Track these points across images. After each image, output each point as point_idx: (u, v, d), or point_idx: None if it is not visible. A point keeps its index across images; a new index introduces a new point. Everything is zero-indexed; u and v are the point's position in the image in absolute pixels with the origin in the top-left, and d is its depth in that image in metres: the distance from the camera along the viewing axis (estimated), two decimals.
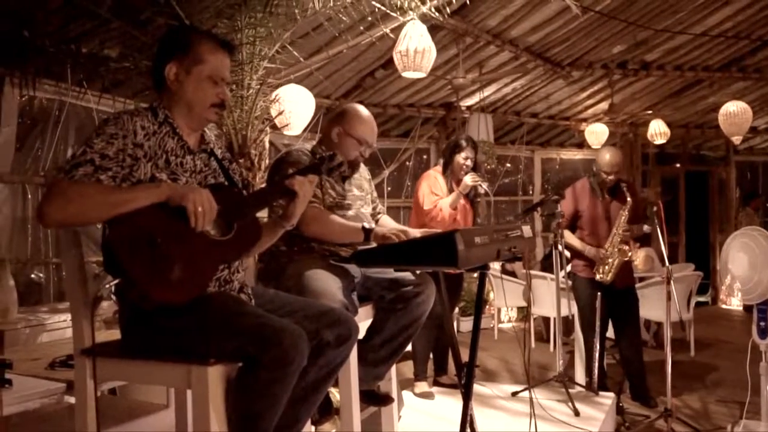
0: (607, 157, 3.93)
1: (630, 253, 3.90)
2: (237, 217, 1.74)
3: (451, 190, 3.78)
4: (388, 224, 2.69)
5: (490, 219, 7.24)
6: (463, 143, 3.81)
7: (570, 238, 4.01)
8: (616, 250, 3.87)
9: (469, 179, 3.69)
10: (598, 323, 3.91)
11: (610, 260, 3.88)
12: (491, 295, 6.68)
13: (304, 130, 4.44)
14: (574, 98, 7.14)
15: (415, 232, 2.34)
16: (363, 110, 2.53)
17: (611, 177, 3.92)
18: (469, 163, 3.77)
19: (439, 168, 3.91)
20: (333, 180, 2.46)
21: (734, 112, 5.95)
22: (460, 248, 1.78)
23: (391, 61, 4.58)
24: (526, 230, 2.36)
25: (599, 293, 3.92)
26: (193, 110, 1.77)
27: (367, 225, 2.36)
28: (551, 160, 8.42)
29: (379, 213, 2.79)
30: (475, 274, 3.15)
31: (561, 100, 7.15)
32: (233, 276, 1.81)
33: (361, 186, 2.63)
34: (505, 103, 7.10)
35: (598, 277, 3.89)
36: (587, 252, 3.93)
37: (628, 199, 3.87)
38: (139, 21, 2.80)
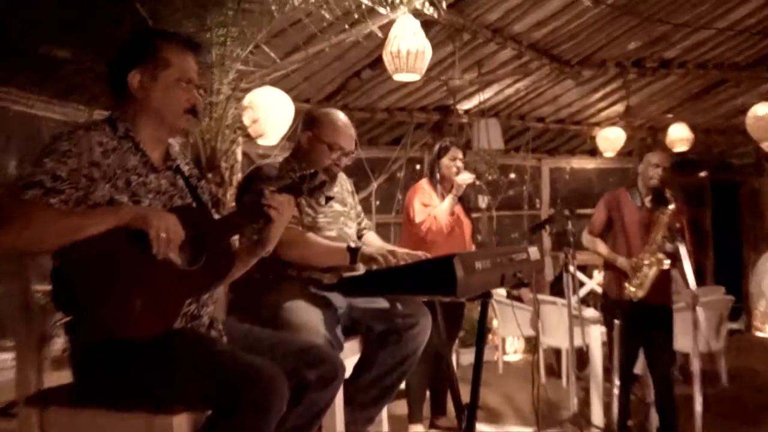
0: (655, 156, 4.01)
1: (667, 263, 3.87)
2: (206, 244, 1.75)
3: (443, 199, 3.81)
4: (374, 242, 2.70)
5: (492, 236, 7.27)
6: (447, 144, 3.87)
7: (602, 248, 4.01)
8: (653, 258, 3.85)
9: (461, 178, 3.72)
10: (616, 353, 3.92)
11: (645, 268, 3.86)
12: (495, 323, 6.68)
13: (282, 139, 4.46)
14: (585, 100, 7.21)
15: (405, 252, 2.36)
16: (336, 113, 2.56)
17: (658, 172, 3.94)
18: (459, 164, 3.82)
19: (425, 180, 3.93)
20: (315, 202, 2.47)
21: (764, 116, 6.03)
22: (459, 275, 1.79)
23: (379, 60, 4.62)
24: (533, 252, 2.38)
25: (617, 320, 3.93)
26: (164, 120, 1.79)
27: (353, 244, 2.37)
28: (560, 169, 8.47)
29: (364, 228, 2.80)
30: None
31: (571, 102, 7.22)
32: (202, 310, 1.81)
33: (344, 200, 2.64)
34: (508, 106, 7.16)
35: (630, 290, 3.86)
36: (619, 262, 3.92)
37: (671, 205, 3.88)
38: (105, 18, 2.81)
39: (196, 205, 1.84)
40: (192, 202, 1.84)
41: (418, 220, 3.69)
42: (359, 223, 2.79)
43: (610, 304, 4.05)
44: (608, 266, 4.04)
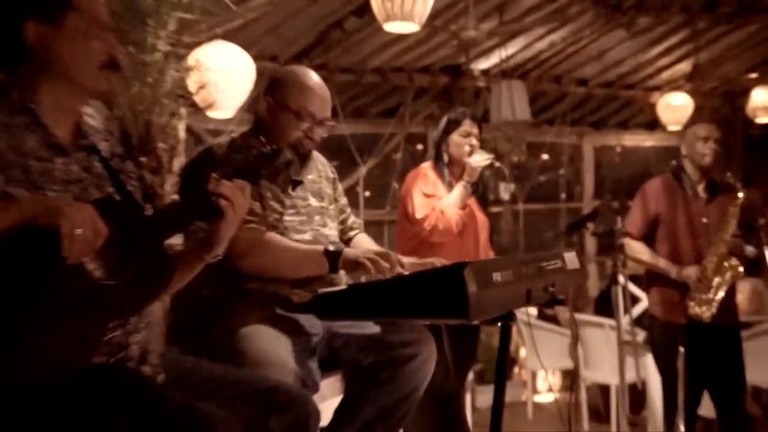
0: (701, 128, 4.03)
1: (741, 269, 3.88)
2: (135, 247, 1.74)
3: (451, 187, 3.81)
4: (366, 247, 2.70)
5: (519, 237, 7.28)
6: (458, 116, 3.87)
7: (648, 254, 4.03)
8: (725, 264, 3.86)
9: (475, 160, 3.73)
10: (680, 392, 3.94)
11: (714, 282, 3.88)
12: (522, 352, 6.69)
13: (240, 110, 4.43)
14: (640, 57, 7.22)
15: (405, 260, 2.36)
16: (303, 70, 2.58)
17: (711, 146, 3.95)
18: (473, 141, 3.82)
19: (429, 163, 3.94)
20: (278, 187, 2.47)
21: None
22: (471, 290, 1.79)
23: (367, 5, 4.60)
24: (571, 258, 2.38)
25: (683, 346, 3.95)
26: (73, 80, 1.78)
27: (331, 246, 2.38)
28: (608, 148, 8.49)
29: (352, 229, 2.80)
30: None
31: (621, 59, 7.22)
32: (131, 338, 1.80)
33: (321, 192, 2.64)
34: (539, 66, 7.16)
35: (694, 311, 3.87)
36: (675, 273, 3.93)
37: (740, 194, 3.88)
38: None
39: (120, 197, 1.82)
40: (114, 192, 1.83)
41: (419, 215, 3.69)
42: (343, 222, 2.79)
43: (659, 330, 4.05)
44: (655, 279, 4.05)
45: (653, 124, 8.09)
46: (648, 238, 4.06)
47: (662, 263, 3.96)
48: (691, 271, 3.88)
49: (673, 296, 3.95)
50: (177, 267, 1.89)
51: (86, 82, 1.80)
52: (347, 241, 2.75)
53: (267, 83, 2.58)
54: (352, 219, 2.83)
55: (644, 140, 8.56)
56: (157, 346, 1.98)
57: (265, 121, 2.53)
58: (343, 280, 2.53)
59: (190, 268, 1.94)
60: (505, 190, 5.14)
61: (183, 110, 3.29)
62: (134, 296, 1.75)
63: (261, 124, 2.55)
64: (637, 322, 4.49)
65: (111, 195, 1.82)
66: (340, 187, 2.82)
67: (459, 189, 3.72)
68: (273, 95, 2.51)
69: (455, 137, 3.82)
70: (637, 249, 4.01)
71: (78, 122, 1.86)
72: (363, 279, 2.33)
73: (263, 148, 1.92)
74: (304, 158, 2.57)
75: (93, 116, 1.93)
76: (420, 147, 7.44)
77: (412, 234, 3.74)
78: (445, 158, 3.83)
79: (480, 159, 3.72)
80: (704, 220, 3.96)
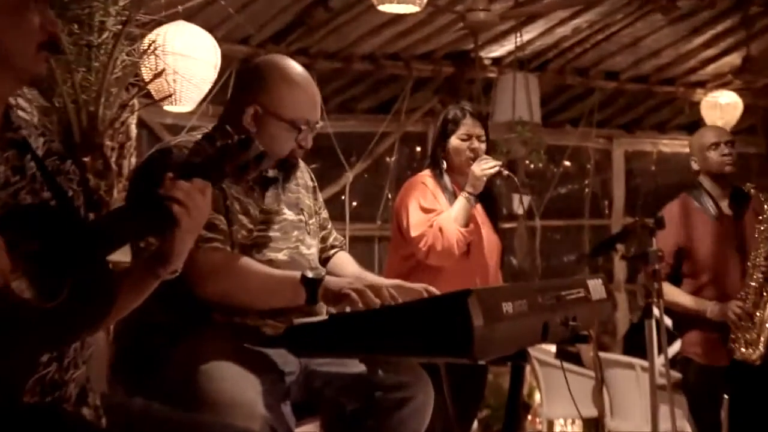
0: (706, 133, 4.15)
1: None
2: (73, 263, 1.73)
3: (455, 199, 3.80)
4: (345, 268, 2.70)
5: (535, 259, 7.28)
6: (458, 114, 3.85)
7: (676, 294, 4.06)
8: (765, 294, 3.88)
9: (479, 167, 3.71)
10: None
11: (756, 317, 3.89)
12: (536, 397, 6.69)
13: (204, 103, 4.43)
14: (681, 47, 7.26)
15: (394, 285, 2.36)
16: (288, 64, 2.56)
17: (726, 151, 4.00)
18: (476, 144, 3.81)
19: (427, 171, 3.93)
20: (247, 193, 2.47)
21: None
22: (476, 323, 1.80)
23: None
24: (596, 287, 2.39)
25: (725, 393, 3.96)
26: (9, 62, 1.77)
27: (310, 273, 2.37)
28: (642, 154, 8.53)
29: (333, 248, 2.80)
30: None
31: (659, 49, 7.26)
32: (67, 374, 1.79)
33: (298, 203, 2.64)
34: (560, 55, 7.19)
35: (741, 354, 3.89)
36: (710, 312, 3.96)
37: (766, 206, 3.93)
38: None
39: (56, 203, 1.82)
40: (51, 199, 1.82)
41: (414, 233, 3.68)
42: (324, 239, 2.79)
43: (697, 374, 4.07)
44: (690, 318, 4.08)
45: (696, 126, 8.10)
46: (677, 274, 4.11)
47: (692, 302, 4.00)
48: (728, 308, 3.90)
49: (711, 335, 3.98)
50: (124, 286, 1.88)
51: (19, 64, 1.79)
52: (325, 261, 2.75)
53: (246, 80, 2.57)
54: (333, 236, 2.83)
55: (685, 146, 8.54)
56: (100, 384, 1.97)
57: (248, 131, 2.51)
58: (324, 309, 2.53)
59: (141, 288, 1.92)
60: (519, 203, 5.13)
61: (135, 102, 3.29)
62: (72, 322, 1.73)
63: (235, 125, 2.54)
64: (674, 362, 4.48)
65: (47, 201, 1.81)
66: (321, 198, 2.82)
67: (460, 202, 3.70)
68: (259, 102, 2.47)
69: (454, 141, 3.81)
70: (669, 289, 4.02)
71: (6, 112, 1.86)
72: (347, 309, 2.32)
73: (228, 139, 1.89)
74: (291, 169, 2.58)
75: (25, 109, 1.92)
76: (419, 149, 7.46)
77: (407, 254, 3.74)
78: (444, 164, 3.83)
79: (485, 166, 3.70)
80: (736, 239, 4.01)
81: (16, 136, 1.84)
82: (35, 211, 1.75)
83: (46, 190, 1.83)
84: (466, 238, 3.66)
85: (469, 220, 3.71)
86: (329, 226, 2.83)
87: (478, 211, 3.84)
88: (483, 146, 3.81)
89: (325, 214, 2.82)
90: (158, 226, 1.84)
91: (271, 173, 2.49)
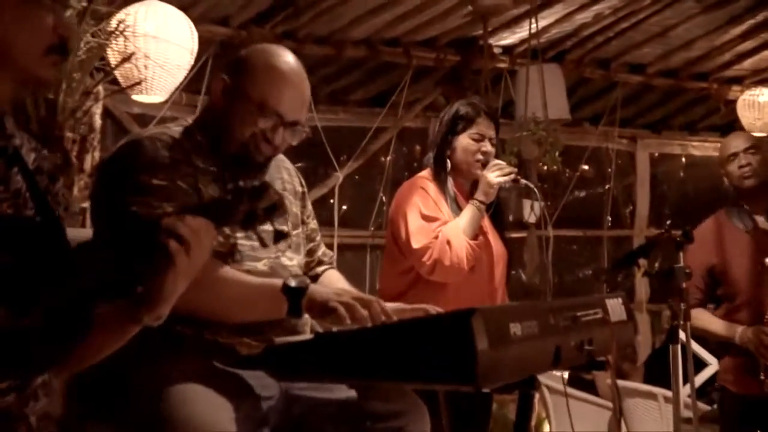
0: (728, 142, 4.29)
1: None
2: (51, 285, 1.74)
3: (460, 208, 3.80)
4: (334, 286, 2.71)
5: (547, 274, 7.27)
6: (470, 111, 3.85)
7: (706, 319, 4.09)
8: None
9: (494, 175, 3.71)
10: None
11: None
12: (546, 429, 6.69)
13: (177, 91, 4.44)
14: (715, 38, 7.26)
15: (389, 306, 2.38)
16: (279, 53, 2.60)
17: (748, 159, 4.08)
18: (487, 147, 3.81)
19: (427, 172, 3.93)
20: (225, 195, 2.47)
21: None
22: (480, 347, 1.80)
23: None
24: (615, 307, 2.40)
25: (762, 428, 3.99)
26: (10, 60, 1.80)
27: (293, 282, 2.38)
28: (670, 158, 8.54)
29: (322, 263, 2.83)
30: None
31: (691, 40, 7.26)
32: (29, 406, 1.80)
33: (288, 208, 2.65)
34: (580, 45, 7.19)
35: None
36: (738, 337, 4.01)
37: None
38: None
39: (40, 220, 1.83)
40: (34, 215, 1.83)
41: (416, 244, 3.68)
42: (311, 252, 2.81)
43: (732, 404, 4.12)
44: (724, 350, 4.13)
45: (731, 128, 8.11)
46: (712, 298, 4.19)
47: (722, 327, 4.03)
48: (748, 334, 3.97)
49: (744, 362, 4.01)
50: (99, 329, 1.86)
51: (21, 63, 1.81)
52: (312, 279, 2.75)
53: (231, 59, 2.61)
54: (322, 250, 2.84)
55: (718, 149, 8.57)
56: (56, 408, 1.96)
57: (217, 108, 2.54)
58: (308, 326, 2.54)
59: (119, 333, 1.91)
60: (530, 210, 5.11)
61: (101, 89, 3.29)
62: (39, 350, 1.74)
63: (212, 112, 2.57)
64: (702, 393, 4.50)
65: (31, 217, 1.82)
66: (310, 206, 2.84)
67: (470, 211, 3.70)
68: (230, 75, 2.53)
69: (464, 139, 3.81)
70: (701, 316, 4.08)
71: (0, 117, 1.87)
72: (334, 329, 2.32)
73: (241, 182, 1.90)
74: (258, 166, 2.58)
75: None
76: (418, 147, 7.46)
77: (405, 268, 3.73)
78: (448, 167, 3.83)
79: (500, 174, 3.71)
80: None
81: (7, 144, 1.85)
82: (15, 223, 1.76)
83: (30, 207, 1.84)
84: (475, 251, 3.66)
85: (478, 232, 3.72)
86: (318, 239, 2.84)
87: (484, 218, 3.85)
88: (493, 150, 3.82)
89: (313, 224, 2.83)
90: (146, 261, 1.81)
91: (273, 197, 2.51)
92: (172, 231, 1.78)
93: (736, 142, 4.20)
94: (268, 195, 1.89)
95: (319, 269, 2.80)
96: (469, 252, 3.64)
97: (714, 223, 4.22)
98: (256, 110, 2.50)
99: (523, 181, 3.83)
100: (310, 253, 2.79)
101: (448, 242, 3.61)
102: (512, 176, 3.73)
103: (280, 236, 2.55)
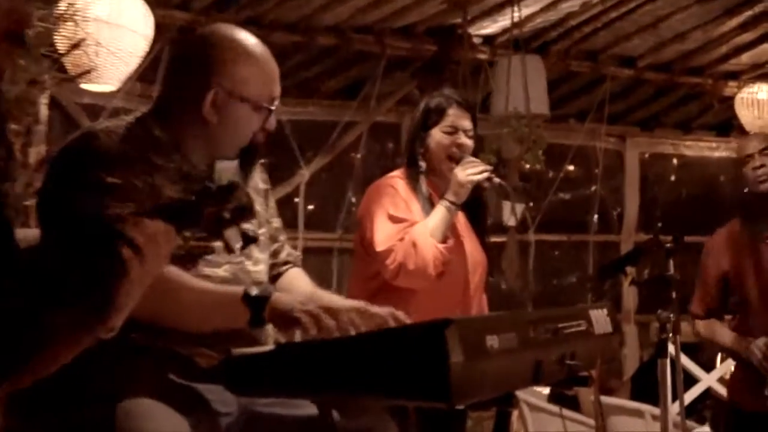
0: (746, 142, 4.32)
1: None
2: None
3: (431, 207, 3.79)
4: (298, 288, 2.72)
5: (527, 281, 7.29)
6: (443, 102, 3.85)
7: (717, 330, 4.20)
8: None
9: (465, 172, 3.69)
10: None
11: None
12: None
13: (131, 80, 4.42)
14: (711, 30, 7.30)
15: (355, 309, 2.38)
16: (243, 36, 2.60)
17: (758, 170, 4.14)
18: (462, 139, 3.81)
19: (401, 171, 3.93)
20: (184, 192, 2.46)
21: None
22: (454, 360, 1.81)
23: None
24: (600, 318, 2.41)
25: None
26: None
27: (255, 289, 2.38)
28: (661, 158, 8.57)
29: (285, 263, 2.83)
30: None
31: (685, 32, 7.30)
32: None
33: (252, 210, 2.64)
34: (566, 35, 7.22)
35: None
36: (743, 350, 4.09)
37: None
38: None
39: None
40: None
41: (380, 247, 3.68)
42: (275, 253, 2.81)
43: (743, 422, 4.12)
44: (737, 359, 4.20)
45: (727, 127, 8.18)
46: (724, 308, 4.25)
47: (731, 340, 4.06)
48: (756, 346, 4.00)
49: (752, 376, 4.07)
50: (48, 341, 1.85)
51: None
52: (275, 279, 2.76)
53: (190, 62, 2.58)
54: (287, 251, 2.84)
55: (713, 149, 8.63)
56: None
57: (210, 124, 2.53)
58: (271, 337, 2.53)
59: (70, 345, 1.90)
60: (510, 213, 5.12)
61: (47, 77, 3.28)
62: None
63: (179, 112, 2.55)
64: (692, 410, 4.52)
65: None
66: (274, 204, 2.84)
67: (439, 212, 3.69)
68: (218, 84, 2.50)
69: (436, 134, 3.81)
70: (713, 329, 4.19)
71: None
72: (297, 338, 2.32)
73: (208, 182, 1.85)
74: (253, 162, 2.62)
75: None
76: (391, 144, 7.47)
77: (373, 273, 3.73)
78: (422, 165, 3.83)
79: (471, 170, 3.70)
80: None
81: None
82: None
83: None
84: (444, 256, 3.65)
85: (448, 235, 3.71)
86: (282, 239, 2.84)
87: (460, 220, 3.85)
88: (470, 143, 3.81)
89: (277, 223, 2.84)
90: (99, 267, 1.77)
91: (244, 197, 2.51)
92: (126, 236, 1.76)
93: (753, 143, 4.24)
94: (237, 195, 1.85)
95: (283, 269, 2.80)
96: (437, 256, 3.62)
97: (729, 230, 4.29)
98: (257, 109, 2.52)
99: (497, 180, 3.79)
100: (274, 254, 2.79)
101: (414, 244, 3.60)
102: (486, 174, 3.71)
103: (248, 240, 2.54)
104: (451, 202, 3.68)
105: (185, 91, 2.53)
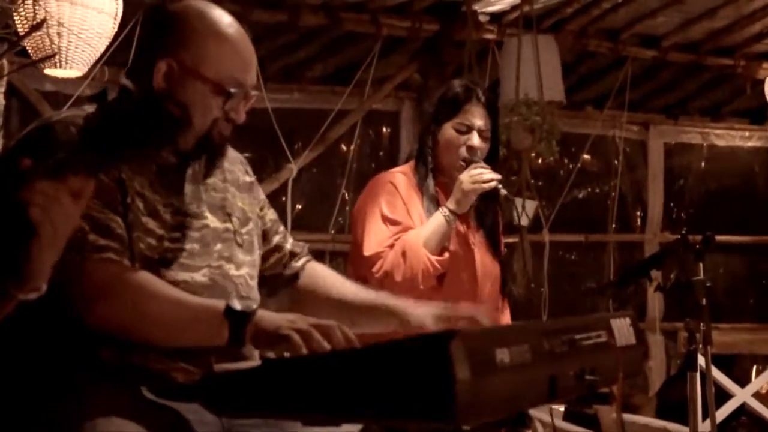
0: None
1: None
2: None
3: (437, 208, 3.78)
4: (332, 286, 2.81)
5: (541, 287, 7.29)
6: (461, 94, 3.83)
7: None
8: None
9: (470, 178, 3.67)
10: None
11: None
12: None
13: (99, 65, 4.42)
14: (742, 6, 7.30)
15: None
16: (215, 14, 2.59)
17: None
18: (474, 141, 3.80)
19: (408, 166, 3.92)
20: (154, 187, 2.48)
21: None
22: (460, 377, 1.79)
23: None
24: (622, 328, 2.41)
25: None
26: None
27: (238, 304, 2.36)
28: (688, 148, 8.58)
29: (295, 256, 2.85)
30: None
31: (713, 8, 7.31)
32: None
33: (225, 204, 2.66)
34: (582, 12, 7.22)
35: None
36: None
37: None
38: None
39: None
40: None
41: (368, 251, 3.69)
42: (279, 248, 2.83)
43: None
44: None
45: (761, 113, 8.19)
46: None
47: None
48: None
49: None
50: None
51: None
52: (292, 278, 2.80)
53: (153, 32, 2.60)
54: (291, 241, 2.85)
55: (746, 138, 8.64)
56: None
57: (162, 92, 2.52)
58: (256, 351, 2.52)
59: None
60: (521, 212, 5.11)
61: (5, 62, 3.28)
62: None
63: (143, 88, 2.55)
64: (724, 429, 4.52)
65: None
66: (263, 195, 2.85)
67: (436, 221, 3.68)
68: (175, 55, 2.50)
69: (447, 129, 3.80)
70: None
71: None
72: (285, 354, 2.31)
73: (105, 120, 1.86)
74: (216, 155, 2.60)
75: None
76: (387, 130, 7.46)
77: (362, 279, 3.71)
78: (430, 162, 3.82)
79: (478, 177, 3.67)
80: None
81: None
82: None
83: None
84: (435, 269, 3.64)
85: (444, 245, 3.69)
86: (281, 230, 2.86)
87: (472, 228, 3.84)
88: (483, 145, 3.78)
89: (271, 214, 2.86)
90: (10, 236, 1.82)
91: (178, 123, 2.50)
92: (26, 200, 1.78)
93: None
94: (174, 120, 1.88)
95: (297, 263, 2.81)
96: (427, 268, 3.63)
97: None
98: (217, 92, 2.50)
99: (504, 191, 3.78)
100: (278, 247, 2.81)
101: (404, 254, 3.62)
102: (493, 184, 3.69)
103: (225, 231, 2.56)
104: (451, 211, 3.67)
105: (143, 62, 2.55)
